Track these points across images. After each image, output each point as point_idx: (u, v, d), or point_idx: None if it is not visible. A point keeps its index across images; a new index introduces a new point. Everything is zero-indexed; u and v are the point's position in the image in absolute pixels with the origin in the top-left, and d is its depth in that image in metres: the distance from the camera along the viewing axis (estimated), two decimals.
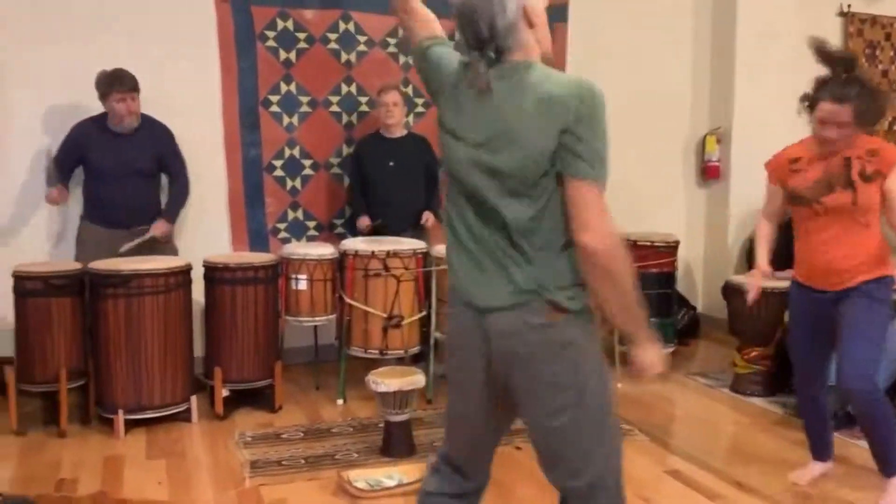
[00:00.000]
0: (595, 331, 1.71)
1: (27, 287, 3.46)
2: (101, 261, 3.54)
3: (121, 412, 3.43)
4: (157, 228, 3.88)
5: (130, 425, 3.46)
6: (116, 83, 3.71)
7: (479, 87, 1.62)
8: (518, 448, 3.22)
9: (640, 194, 4.88)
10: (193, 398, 3.64)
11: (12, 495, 2.72)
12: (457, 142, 1.69)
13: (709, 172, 5.28)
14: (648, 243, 4.47)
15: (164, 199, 4.06)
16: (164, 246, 3.93)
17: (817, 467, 3.04)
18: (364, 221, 4.22)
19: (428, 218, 4.26)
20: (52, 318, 3.45)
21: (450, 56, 1.76)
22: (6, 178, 3.97)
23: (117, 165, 3.79)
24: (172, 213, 3.99)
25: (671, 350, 4.53)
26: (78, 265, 3.60)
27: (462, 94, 1.68)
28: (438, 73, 1.76)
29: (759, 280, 2.91)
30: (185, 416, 3.61)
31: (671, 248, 4.54)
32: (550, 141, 1.56)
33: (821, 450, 3.04)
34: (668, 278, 4.56)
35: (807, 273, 2.85)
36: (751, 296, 2.93)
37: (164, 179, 4.08)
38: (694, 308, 5.30)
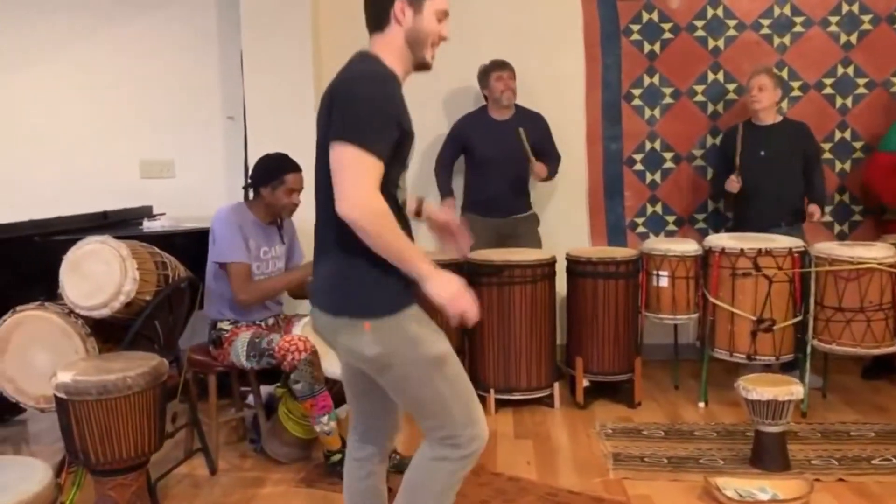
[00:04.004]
0: None
1: None
2: (477, 251, 3.85)
3: (492, 391, 3.72)
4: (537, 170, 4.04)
5: (500, 404, 3.73)
6: (495, 65, 4.09)
7: None
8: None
9: None
10: (556, 385, 3.80)
11: (406, 457, 3.10)
12: None
13: None
14: None
15: None
16: (528, 237, 4.14)
17: None
18: (732, 181, 3.93)
19: (814, 212, 3.88)
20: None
21: None
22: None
23: (497, 151, 4.10)
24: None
25: None
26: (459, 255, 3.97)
27: None
28: None
29: None
30: (547, 402, 3.79)
31: None
32: None
33: None
34: None
35: None
36: None
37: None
38: None
